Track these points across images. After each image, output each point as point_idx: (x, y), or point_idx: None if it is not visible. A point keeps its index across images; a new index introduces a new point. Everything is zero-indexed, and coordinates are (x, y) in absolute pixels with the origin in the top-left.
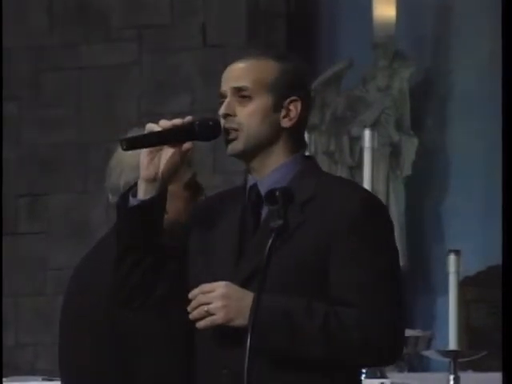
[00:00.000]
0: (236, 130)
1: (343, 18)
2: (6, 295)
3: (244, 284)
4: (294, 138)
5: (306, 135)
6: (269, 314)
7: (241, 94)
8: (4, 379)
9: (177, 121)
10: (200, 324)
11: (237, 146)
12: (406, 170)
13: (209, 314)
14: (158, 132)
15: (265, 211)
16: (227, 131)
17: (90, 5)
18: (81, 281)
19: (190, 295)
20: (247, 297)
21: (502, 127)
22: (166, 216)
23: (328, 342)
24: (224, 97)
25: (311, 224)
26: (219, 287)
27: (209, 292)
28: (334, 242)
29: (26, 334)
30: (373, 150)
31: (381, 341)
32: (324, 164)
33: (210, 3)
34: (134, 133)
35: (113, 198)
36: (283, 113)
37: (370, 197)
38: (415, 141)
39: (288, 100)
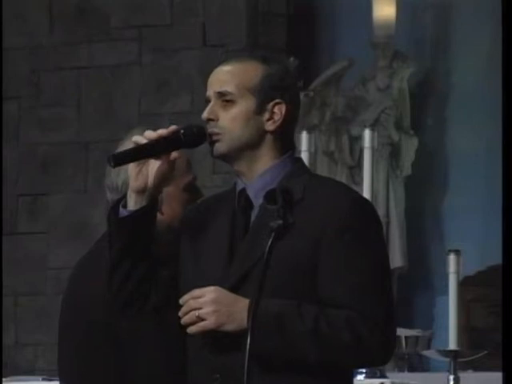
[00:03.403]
0: (218, 134)
1: (343, 18)
2: (6, 295)
3: (236, 287)
4: (281, 140)
5: (306, 135)
6: (260, 317)
7: (224, 98)
8: (4, 379)
9: (162, 131)
10: (191, 329)
11: (220, 147)
12: (406, 169)
13: (200, 319)
14: (145, 145)
15: (254, 214)
16: (210, 135)
17: (89, 5)
18: (78, 282)
19: (181, 301)
20: (238, 301)
21: (502, 127)
22: (162, 218)
23: (319, 344)
24: (209, 101)
25: (301, 226)
26: (209, 292)
27: (199, 297)
28: (324, 244)
29: (26, 334)
30: (373, 149)
31: (372, 341)
32: (324, 164)
33: (209, 3)
34: (135, 133)
35: (111, 196)
36: (267, 116)
37: (358, 198)
38: (415, 141)
39: (272, 103)
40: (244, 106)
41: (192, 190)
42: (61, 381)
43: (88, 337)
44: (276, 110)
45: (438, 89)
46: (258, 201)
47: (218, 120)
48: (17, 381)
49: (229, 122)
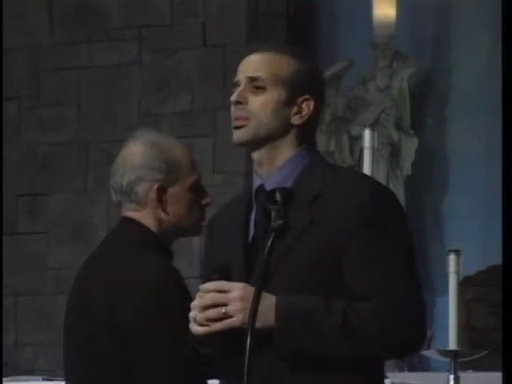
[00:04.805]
0: (246, 118)
1: (343, 18)
2: (6, 295)
3: (261, 287)
4: (303, 136)
5: None
6: (289, 315)
7: (255, 84)
8: (4, 379)
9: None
10: (216, 326)
11: (246, 133)
12: (406, 169)
13: (226, 315)
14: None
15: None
16: (237, 118)
17: (90, 5)
18: (83, 283)
19: (203, 288)
20: (265, 299)
21: (502, 127)
22: (167, 218)
23: (349, 338)
24: (238, 86)
25: (321, 221)
26: (237, 289)
27: (226, 291)
28: (347, 238)
29: (26, 334)
30: (373, 149)
31: (402, 331)
32: None
33: (209, 3)
34: (137, 135)
35: (115, 197)
36: (295, 109)
37: (377, 187)
38: (415, 141)
39: (301, 98)
40: (274, 95)
41: (197, 189)
42: (66, 381)
43: (92, 337)
44: (304, 105)
45: (438, 89)
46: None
47: (247, 104)
48: (17, 381)
49: (258, 108)
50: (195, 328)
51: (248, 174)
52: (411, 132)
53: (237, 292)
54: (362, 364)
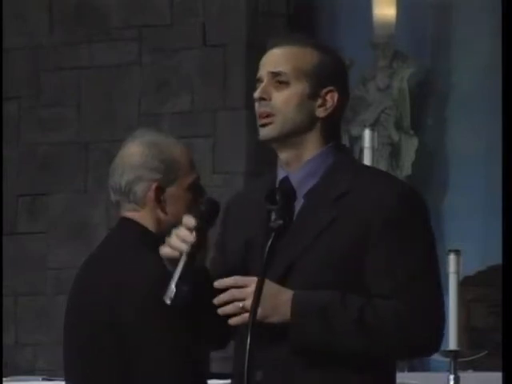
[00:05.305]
0: (270, 114)
1: (343, 18)
2: (6, 295)
3: (279, 282)
4: (329, 129)
5: None
6: (304, 309)
7: (278, 79)
8: (4, 379)
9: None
10: (234, 320)
11: (272, 131)
12: (406, 169)
13: (244, 310)
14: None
15: (299, 205)
16: (261, 115)
17: (90, 5)
18: (83, 283)
19: (218, 283)
20: (282, 293)
21: (502, 127)
22: (166, 218)
23: (366, 335)
24: (260, 81)
25: (345, 219)
26: (254, 283)
27: (243, 286)
28: (371, 236)
29: (25, 334)
30: (373, 149)
31: (420, 332)
32: None
33: (209, 3)
34: (137, 134)
35: (114, 197)
36: (319, 102)
37: (405, 189)
38: (415, 141)
39: (325, 90)
40: (298, 88)
41: (196, 189)
42: (66, 381)
43: (92, 337)
44: (328, 97)
45: (438, 89)
46: (300, 191)
47: (270, 100)
48: (17, 381)
49: (282, 103)
50: (164, 250)
51: (248, 174)
52: (411, 132)
53: (254, 286)
54: (375, 363)
